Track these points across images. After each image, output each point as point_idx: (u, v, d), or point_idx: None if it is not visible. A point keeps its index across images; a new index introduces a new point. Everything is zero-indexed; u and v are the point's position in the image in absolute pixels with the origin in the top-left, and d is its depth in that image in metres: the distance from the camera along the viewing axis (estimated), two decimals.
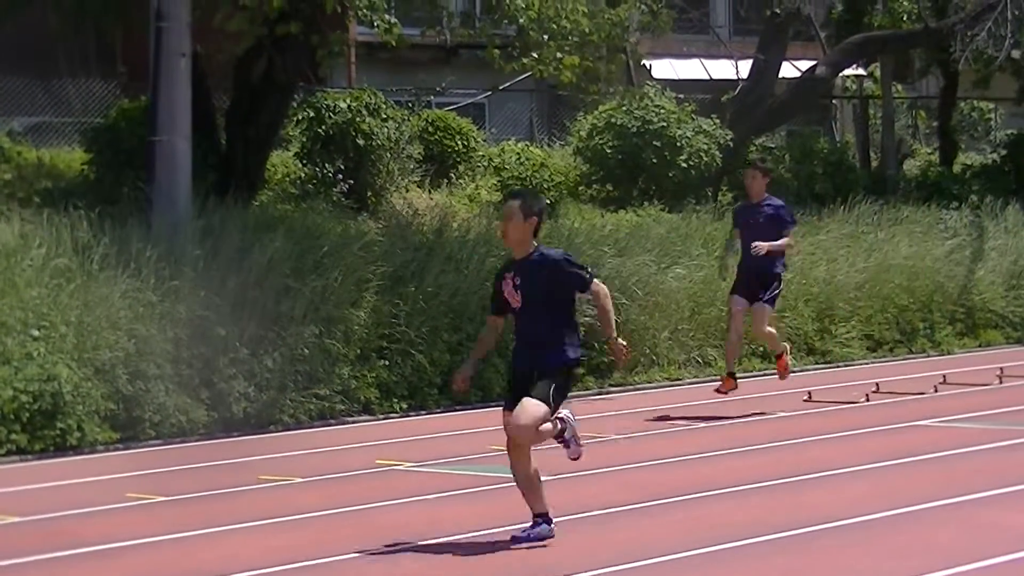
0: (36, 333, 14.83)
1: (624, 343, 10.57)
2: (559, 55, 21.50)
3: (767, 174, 17.16)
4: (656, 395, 18.79)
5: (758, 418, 16.44)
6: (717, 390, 16.96)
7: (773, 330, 16.90)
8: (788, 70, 30.33)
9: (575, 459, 10.49)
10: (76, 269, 15.70)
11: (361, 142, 22.88)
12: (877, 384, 18.53)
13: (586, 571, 9.29)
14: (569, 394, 10.28)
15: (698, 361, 20.34)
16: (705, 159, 26.08)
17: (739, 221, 16.91)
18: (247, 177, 20.63)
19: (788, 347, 17.62)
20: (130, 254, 16.02)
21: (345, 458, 14.11)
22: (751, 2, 36.80)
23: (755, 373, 20.51)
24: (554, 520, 10.14)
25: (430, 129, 25.31)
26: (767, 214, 16.52)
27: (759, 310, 16.47)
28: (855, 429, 15.32)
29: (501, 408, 10.19)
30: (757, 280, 16.42)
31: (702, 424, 15.98)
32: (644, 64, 32.93)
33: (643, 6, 27.42)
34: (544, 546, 9.98)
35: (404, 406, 17.22)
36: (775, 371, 17.67)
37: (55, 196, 19.35)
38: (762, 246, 16.10)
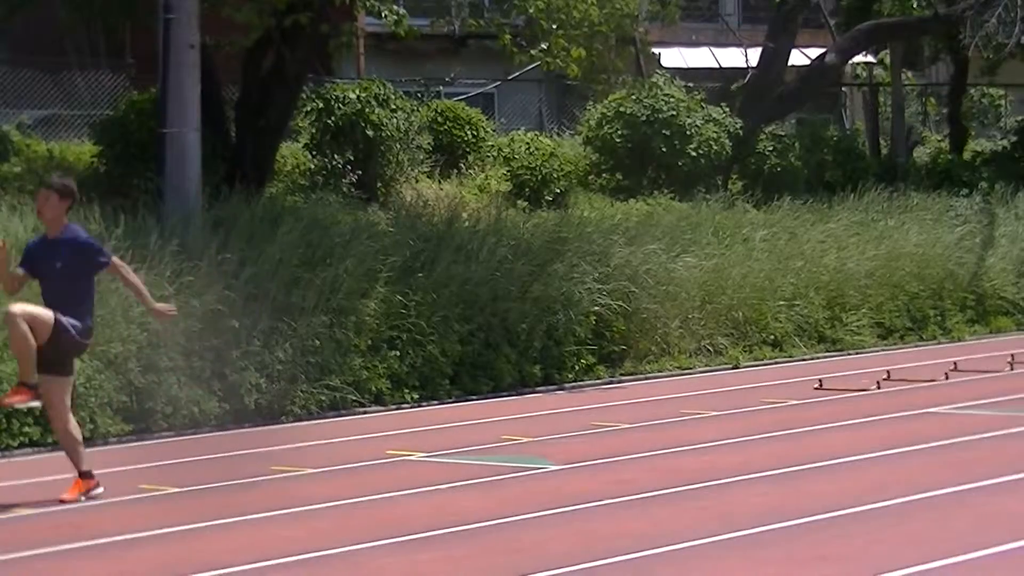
0: None
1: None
2: (567, 46, 21.48)
3: (67, 196, 11.88)
4: (667, 384, 18.80)
5: (769, 406, 16.43)
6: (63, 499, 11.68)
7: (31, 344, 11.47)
8: (797, 58, 30.31)
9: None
10: None
11: (370, 133, 22.89)
12: (888, 371, 18.53)
13: (599, 560, 9.30)
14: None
15: (709, 350, 20.36)
16: (715, 148, 26.08)
17: (32, 265, 11.90)
18: (257, 169, 20.63)
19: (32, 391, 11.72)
20: (143, 247, 16.04)
21: (356, 449, 14.13)
22: None
23: (766, 361, 20.53)
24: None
25: (439, 119, 25.31)
26: (67, 255, 11.74)
27: (41, 312, 11.53)
28: (866, 417, 15.33)
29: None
30: None
31: (714, 413, 15.97)
32: (653, 53, 32.90)
33: None
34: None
35: (415, 396, 17.24)
36: (785, 359, 17.63)
37: None
38: (163, 310, 12.41)
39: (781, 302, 21.37)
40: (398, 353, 17.23)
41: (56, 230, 11.87)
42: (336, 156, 22.67)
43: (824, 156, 28.20)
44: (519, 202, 24.10)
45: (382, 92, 23.43)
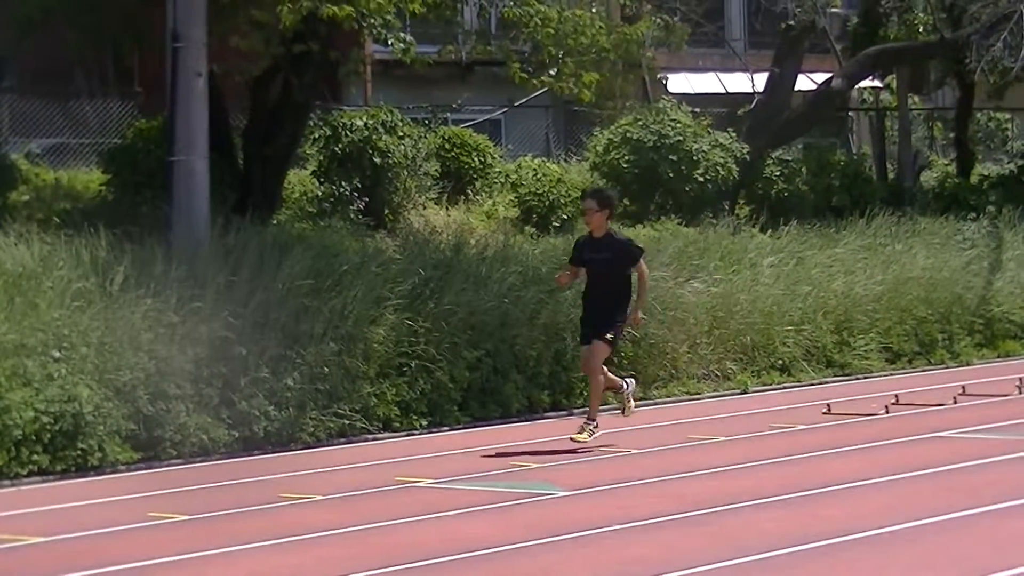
0: (57, 354, 14.86)
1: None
2: (576, 71, 21.52)
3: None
4: (675, 409, 18.79)
5: (778, 431, 16.43)
6: None
7: None
8: (804, 83, 30.35)
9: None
10: (96, 290, 15.75)
11: (378, 160, 22.96)
12: (896, 396, 18.52)
13: None
14: None
15: (717, 375, 20.34)
16: (722, 173, 26.13)
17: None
18: (265, 196, 20.70)
19: None
20: (151, 275, 16.06)
21: (365, 475, 14.13)
22: (766, 15, 36.86)
23: (774, 386, 20.51)
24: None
25: (447, 146, 25.37)
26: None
27: None
28: (874, 441, 15.32)
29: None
30: None
31: (723, 438, 15.97)
32: (660, 78, 32.98)
33: (659, 20, 27.47)
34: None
35: (424, 423, 17.23)
36: (793, 384, 17.68)
37: (74, 217, 19.42)
38: None
39: (789, 327, 21.35)
40: (407, 380, 17.23)
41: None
42: (344, 183, 22.74)
43: (831, 180, 28.23)
44: (526, 228, 24.14)
45: (389, 119, 23.51)
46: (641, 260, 15.22)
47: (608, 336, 14.93)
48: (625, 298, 15.16)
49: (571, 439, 15.07)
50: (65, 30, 23.21)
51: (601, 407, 15.63)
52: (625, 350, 19.23)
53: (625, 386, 15.82)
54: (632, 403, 16.01)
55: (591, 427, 15.16)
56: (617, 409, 16.52)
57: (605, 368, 15.36)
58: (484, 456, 14.84)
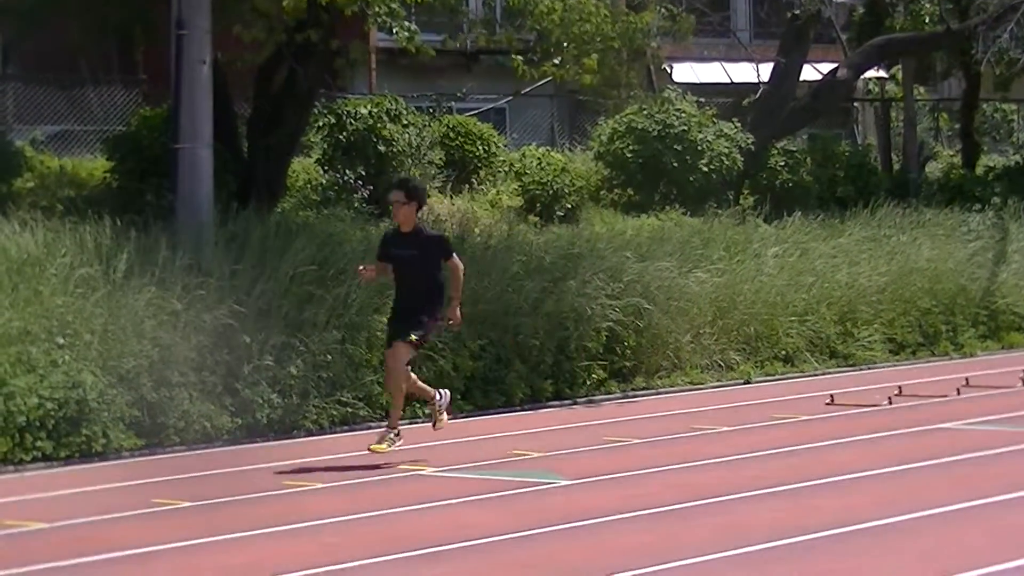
0: (61, 341, 14.88)
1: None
2: (577, 56, 21.51)
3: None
4: (678, 399, 18.79)
5: (781, 422, 16.43)
6: None
7: None
8: (809, 73, 30.31)
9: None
10: (100, 278, 15.76)
11: (382, 148, 22.94)
12: (900, 387, 18.52)
13: (610, 575, 9.30)
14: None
15: (720, 365, 20.34)
16: (726, 163, 26.12)
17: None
18: (269, 184, 20.69)
19: None
20: (154, 262, 16.07)
21: (368, 463, 14.12)
22: (772, 5, 36.83)
23: (777, 377, 20.51)
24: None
25: (451, 135, 25.35)
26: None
27: None
28: (878, 432, 15.33)
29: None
30: None
31: (726, 428, 15.97)
32: (665, 68, 32.95)
33: (663, 10, 27.45)
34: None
35: (427, 411, 17.20)
36: (797, 375, 17.55)
37: (78, 204, 19.42)
38: None
39: (793, 317, 21.35)
40: (409, 368, 17.19)
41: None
42: (348, 171, 22.73)
43: (836, 171, 28.22)
44: (530, 217, 24.12)
45: (394, 107, 23.49)
46: (454, 255, 14.02)
47: (413, 338, 13.77)
48: (436, 297, 13.97)
49: (369, 449, 13.89)
50: (69, 19, 23.21)
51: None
52: (628, 340, 19.23)
53: (438, 397, 14.52)
54: (445, 416, 14.56)
55: (391, 436, 14.03)
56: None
57: (413, 375, 14.29)
58: (279, 472, 13.64)
